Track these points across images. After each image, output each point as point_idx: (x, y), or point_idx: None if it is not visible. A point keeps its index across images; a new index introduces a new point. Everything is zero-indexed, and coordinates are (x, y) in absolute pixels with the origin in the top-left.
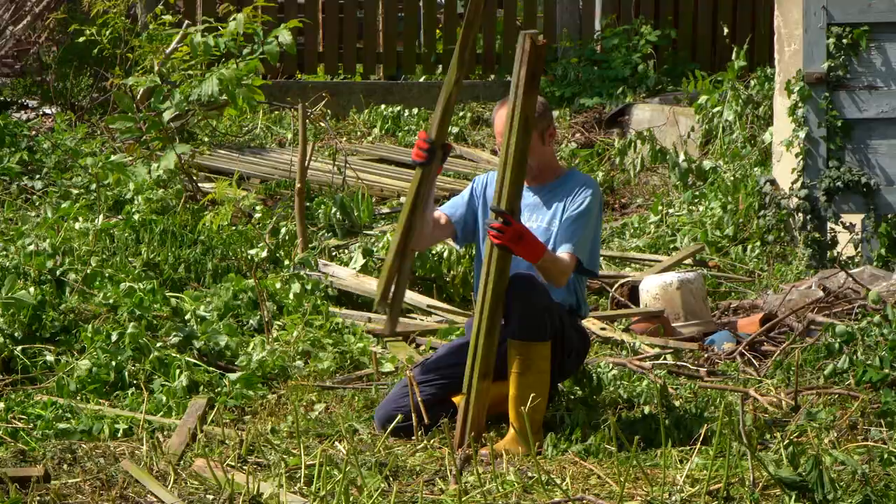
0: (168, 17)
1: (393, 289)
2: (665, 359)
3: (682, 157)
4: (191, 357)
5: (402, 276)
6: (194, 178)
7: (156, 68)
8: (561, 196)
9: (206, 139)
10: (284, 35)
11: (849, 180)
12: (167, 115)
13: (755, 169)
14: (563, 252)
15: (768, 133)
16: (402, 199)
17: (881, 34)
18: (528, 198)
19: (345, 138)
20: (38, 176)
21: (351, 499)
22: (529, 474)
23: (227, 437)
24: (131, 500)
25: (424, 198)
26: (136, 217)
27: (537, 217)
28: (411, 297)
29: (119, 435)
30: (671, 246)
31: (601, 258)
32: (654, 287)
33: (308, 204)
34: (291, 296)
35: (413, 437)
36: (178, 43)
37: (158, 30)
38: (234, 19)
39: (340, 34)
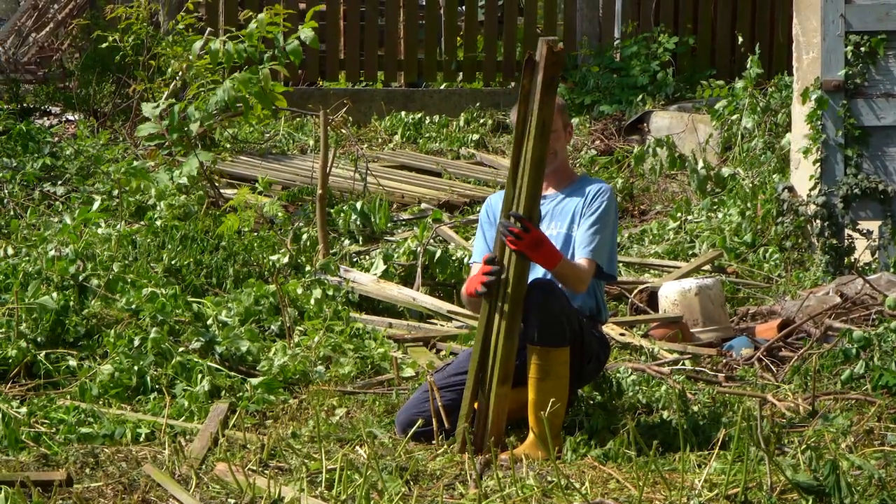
0: (192, 19)
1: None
2: (683, 364)
3: (700, 164)
4: (212, 362)
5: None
6: (216, 184)
7: (179, 76)
8: (576, 200)
9: (227, 146)
10: (306, 32)
11: (866, 187)
12: (194, 128)
13: (773, 176)
14: (582, 258)
15: (786, 140)
16: (424, 206)
17: None
18: (546, 205)
19: (366, 145)
20: (60, 182)
21: (372, 503)
22: (549, 478)
23: (248, 441)
24: (153, 503)
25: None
26: (158, 223)
27: (558, 224)
28: (432, 302)
29: (141, 439)
30: (690, 252)
31: (620, 263)
32: (673, 293)
33: (329, 210)
34: (312, 301)
35: (433, 442)
36: (200, 50)
37: (182, 34)
38: (256, 21)
39: (362, 42)
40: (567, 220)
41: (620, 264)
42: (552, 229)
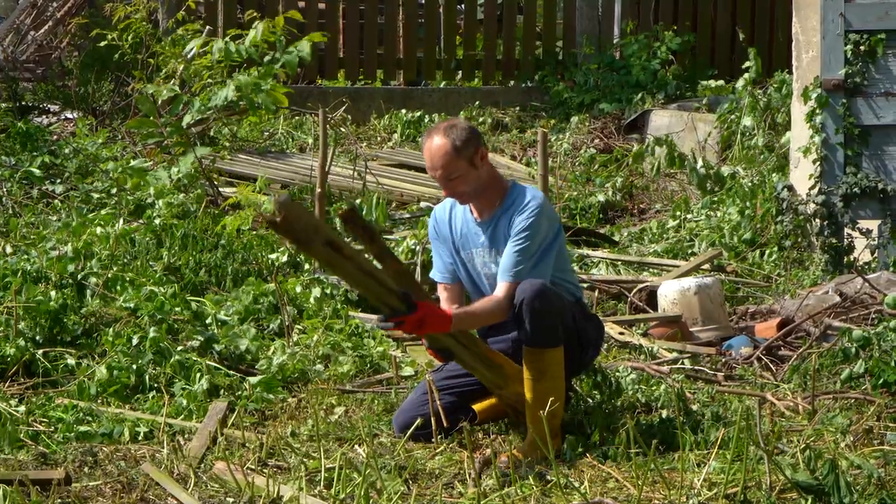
0: (194, 26)
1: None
2: (683, 363)
3: (700, 162)
4: (211, 361)
5: None
6: (215, 182)
7: (178, 74)
8: (507, 221)
9: (226, 144)
10: (304, 46)
11: (865, 186)
12: (187, 119)
13: (773, 175)
14: (502, 282)
15: (786, 139)
16: (423, 204)
17: None
18: (482, 234)
19: (365, 143)
20: (59, 180)
21: (371, 502)
22: (548, 478)
23: (247, 440)
24: (152, 502)
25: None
26: (156, 221)
27: (501, 250)
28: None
29: (140, 438)
30: (689, 251)
31: (619, 262)
32: (673, 292)
33: (328, 208)
34: (312, 300)
35: (432, 441)
36: (200, 47)
37: (183, 33)
38: (255, 28)
39: (361, 40)
40: (503, 246)
41: (619, 263)
42: (496, 255)
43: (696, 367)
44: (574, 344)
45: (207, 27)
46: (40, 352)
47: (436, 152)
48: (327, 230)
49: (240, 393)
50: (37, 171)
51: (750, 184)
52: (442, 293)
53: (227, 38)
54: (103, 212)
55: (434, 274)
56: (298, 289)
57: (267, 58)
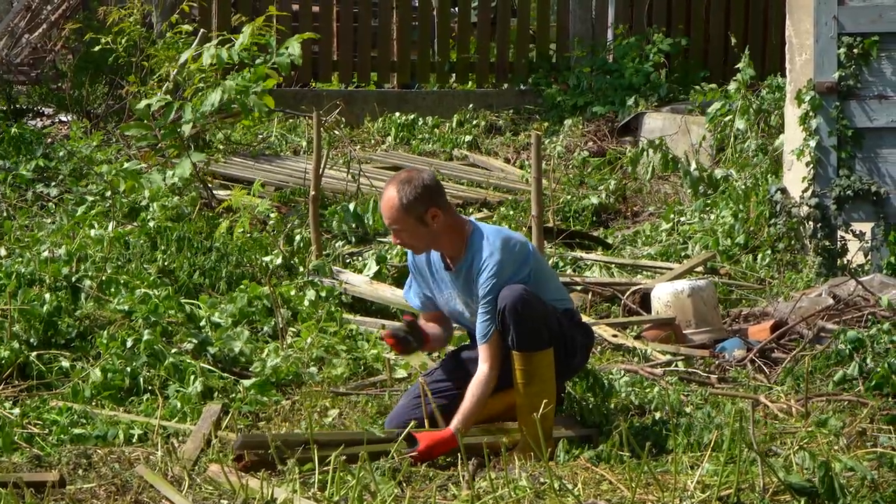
0: (186, 27)
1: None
2: (676, 365)
3: (693, 165)
4: (205, 363)
5: None
6: (209, 185)
7: (171, 78)
8: (471, 278)
9: (220, 147)
10: (294, 46)
11: (859, 189)
12: (187, 130)
13: (766, 177)
14: (481, 347)
15: (779, 142)
16: None
17: (892, 44)
18: (456, 283)
19: (359, 146)
20: (53, 183)
21: None
22: (541, 480)
23: None
24: None
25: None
26: (151, 224)
27: (473, 300)
28: None
29: (134, 440)
30: (683, 254)
31: (612, 265)
32: (666, 294)
33: (322, 211)
34: (306, 302)
35: None
36: (193, 52)
37: (175, 38)
38: (244, 31)
39: (355, 43)
40: (474, 298)
41: (613, 266)
42: (473, 304)
43: (689, 370)
44: (561, 348)
45: (201, 30)
46: (34, 354)
47: (385, 203)
48: (296, 435)
49: (234, 395)
50: (27, 174)
51: (743, 186)
52: (422, 317)
53: (216, 43)
54: (93, 212)
55: (413, 302)
56: (292, 292)
57: (259, 60)
